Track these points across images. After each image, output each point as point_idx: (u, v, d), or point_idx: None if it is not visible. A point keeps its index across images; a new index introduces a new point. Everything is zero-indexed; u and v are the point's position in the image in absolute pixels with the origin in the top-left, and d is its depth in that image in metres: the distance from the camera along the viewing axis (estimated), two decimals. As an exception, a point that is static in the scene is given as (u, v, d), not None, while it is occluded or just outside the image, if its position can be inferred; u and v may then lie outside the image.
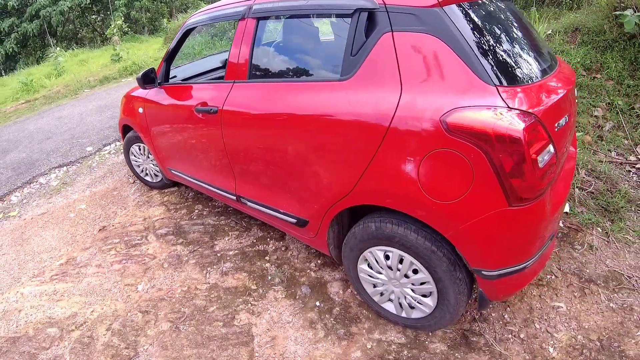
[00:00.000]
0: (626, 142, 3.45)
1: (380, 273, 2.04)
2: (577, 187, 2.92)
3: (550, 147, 1.51)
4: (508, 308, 2.22)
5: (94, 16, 17.30)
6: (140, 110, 3.23)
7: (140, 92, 3.23)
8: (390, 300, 2.12)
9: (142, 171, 3.75)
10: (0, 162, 5.39)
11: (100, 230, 3.45)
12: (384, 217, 1.85)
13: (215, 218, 3.29)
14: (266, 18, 2.21)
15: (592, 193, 2.90)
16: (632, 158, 3.31)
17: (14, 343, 2.52)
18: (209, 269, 2.76)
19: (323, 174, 1.96)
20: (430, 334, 2.14)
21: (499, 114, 1.41)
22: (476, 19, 1.61)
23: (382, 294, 2.12)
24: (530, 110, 1.45)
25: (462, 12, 1.57)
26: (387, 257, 1.96)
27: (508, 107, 1.43)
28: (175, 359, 2.26)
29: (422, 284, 1.91)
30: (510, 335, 2.07)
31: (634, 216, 2.74)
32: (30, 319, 2.71)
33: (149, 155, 3.52)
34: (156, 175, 3.63)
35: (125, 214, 3.57)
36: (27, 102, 9.10)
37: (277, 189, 2.30)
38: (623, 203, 2.78)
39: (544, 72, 1.71)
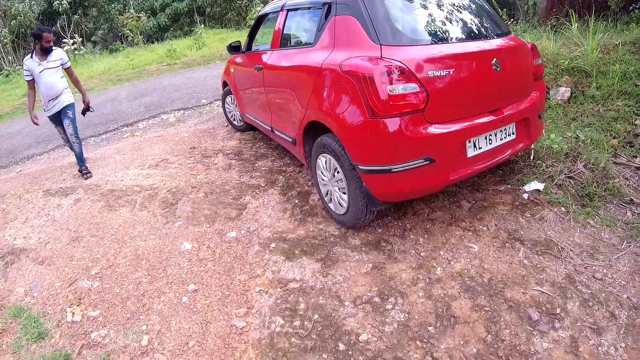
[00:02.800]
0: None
1: (324, 175, 2.88)
2: (564, 173, 3.07)
3: (412, 85, 2.17)
4: (426, 235, 2.75)
5: (239, 2, 18.95)
6: (232, 70, 4.55)
7: (234, 58, 4.50)
8: (331, 201, 2.94)
9: (232, 117, 5.13)
10: (137, 102, 7.45)
11: (191, 148, 4.86)
12: (324, 134, 2.70)
13: (266, 150, 4.44)
14: (290, 10, 3.30)
15: (577, 181, 3.02)
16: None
17: (112, 192, 3.96)
18: (244, 173, 3.88)
19: (298, 104, 2.93)
20: (355, 233, 2.85)
21: (369, 60, 2.25)
22: (389, 3, 2.42)
23: (327, 194, 2.95)
24: (396, 59, 2.20)
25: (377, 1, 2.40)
26: (325, 163, 2.81)
27: (381, 57, 2.23)
28: (196, 208, 3.40)
29: (340, 181, 2.69)
30: (413, 251, 2.65)
31: (612, 208, 2.81)
32: (126, 184, 4.14)
33: (236, 105, 4.86)
34: (240, 121, 4.95)
35: (211, 142, 4.94)
36: (167, 65, 11.12)
37: (285, 119, 3.33)
38: (604, 193, 2.85)
39: (460, 38, 2.53)
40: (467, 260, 2.51)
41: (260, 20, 4.04)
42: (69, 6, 17.36)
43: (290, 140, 3.25)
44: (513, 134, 2.67)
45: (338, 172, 2.68)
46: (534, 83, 2.86)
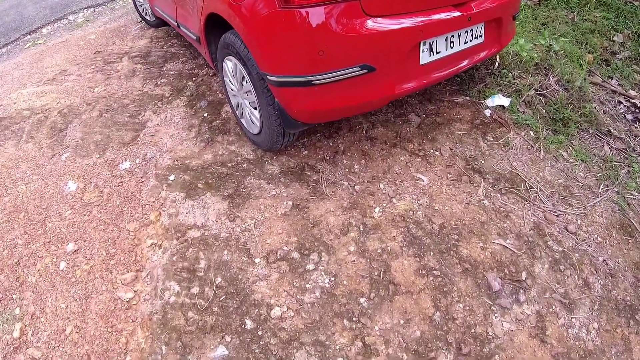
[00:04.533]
0: (638, 77, 2.92)
1: (232, 84, 2.09)
2: (534, 89, 2.56)
3: None
4: (364, 160, 2.10)
5: None
6: None
7: None
8: (243, 116, 2.18)
9: (143, 10, 4.07)
10: (42, 4, 6.20)
11: (95, 53, 3.88)
12: (228, 30, 1.92)
13: (178, 49, 3.51)
14: None
15: (549, 99, 2.50)
16: (633, 92, 2.81)
17: (1, 121, 3.09)
18: (148, 81, 3.02)
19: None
20: (274, 157, 2.15)
21: None
22: None
23: (238, 107, 2.18)
24: None
25: None
26: (232, 69, 2.02)
27: None
28: (87, 133, 2.64)
29: (249, 93, 1.94)
30: (346, 183, 1.99)
31: (588, 139, 2.33)
32: (18, 107, 3.29)
33: (147, -4, 3.80)
34: (153, 15, 3.90)
35: (120, 43, 3.95)
36: None
37: (187, 11, 2.42)
38: (580, 119, 2.37)
39: None
40: (413, 197, 1.92)
41: None
42: None
43: (195, 37, 2.37)
44: (481, 36, 1.97)
45: (246, 82, 1.92)
46: None
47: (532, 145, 2.24)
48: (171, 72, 3.05)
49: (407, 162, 2.08)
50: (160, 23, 3.93)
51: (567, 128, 2.34)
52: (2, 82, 3.98)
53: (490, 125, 2.33)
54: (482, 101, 2.43)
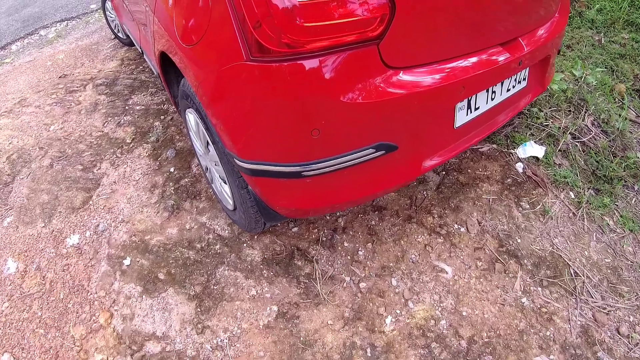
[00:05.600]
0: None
1: (197, 143, 1.60)
2: (570, 133, 2.04)
3: None
4: (370, 244, 1.61)
5: None
6: None
7: None
8: (213, 181, 1.69)
9: (115, 27, 3.57)
10: (15, 15, 5.70)
11: (60, 77, 3.40)
12: None
13: (148, 76, 3.01)
14: None
15: (588, 147, 2.00)
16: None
17: None
18: (110, 119, 2.53)
19: (146, 10, 1.63)
20: (255, 238, 1.66)
21: None
22: None
23: (207, 170, 1.69)
24: None
25: None
26: (195, 125, 1.51)
27: None
28: (34, 190, 2.18)
29: (217, 164, 1.43)
30: (348, 278, 1.50)
31: (634, 198, 1.83)
32: None
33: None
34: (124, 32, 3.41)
35: (88, 65, 3.46)
36: None
37: (147, 43, 1.90)
38: (624, 174, 1.87)
39: None
40: (434, 297, 1.46)
41: None
42: None
43: (155, 73, 1.88)
44: (524, 79, 1.49)
45: (210, 147, 1.40)
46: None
47: (574, 213, 1.76)
48: (137, 108, 2.56)
49: (425, 245, 1.60)
50: (133, 42, 3.44)
51: (612, 187, 1.85)
52: (-42, 110, 3.53)
53: (524, 186, 1.85)
54: (512, 151, 1.94)
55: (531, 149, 1.92)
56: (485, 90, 1.27)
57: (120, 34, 3.57)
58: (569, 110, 2.15)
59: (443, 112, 1.16)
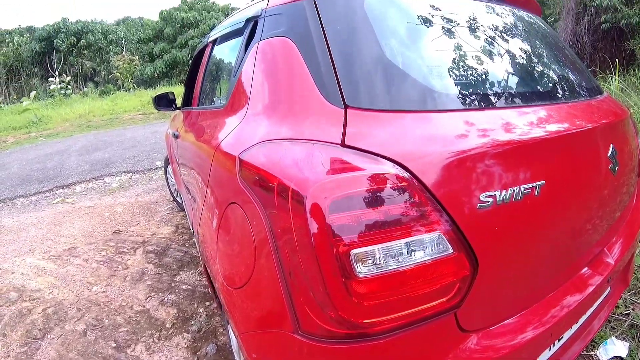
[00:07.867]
0: None
1: None
2: None
3: (431, 239, 0.81)
4: None
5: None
6: (168, 131, 3.35)
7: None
8: None
9: (175, 191, 3.86)
10: (85, 157, 6.35)
11: (114, 232, 3.64)
12: None
13: (199, 254, 3.19)
14: (215, 41, 2.05)
15: None
16: None
17: None
18: (154, 294, 2.61)
19: (196, 212, 1.76)
20: None
21: (308, 153, 0.87)
22: (375, 10, 1.04)
23: None
24: (391, 158, 0.82)
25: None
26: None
27: (343, 142, 0.86)
28: (61, 356, 2.17)
29: None
30: None
31: None
32: (12, 281, 2.94)
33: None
34: (183, 198, 3.73)
35: (143, 226, 3.72)
36: (143, 115, 10.22)
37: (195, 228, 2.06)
38: None
39: (528, 99, 1.11)
40: None
41: (198, 60, 2.52)
42: (69, 44, 17.04)
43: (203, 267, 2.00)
44: (607, 282, 1.32)
45: None
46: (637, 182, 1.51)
47: None
48: (183, 287, 2.66)
49: None
50: (188, 213, 3.73)
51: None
52: (16, 237, 3.77)
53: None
54: (592, 353, 1.76)
55: (613, 348, 1.72)
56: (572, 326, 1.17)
57: (178, 199, 3.81)
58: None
59: None
